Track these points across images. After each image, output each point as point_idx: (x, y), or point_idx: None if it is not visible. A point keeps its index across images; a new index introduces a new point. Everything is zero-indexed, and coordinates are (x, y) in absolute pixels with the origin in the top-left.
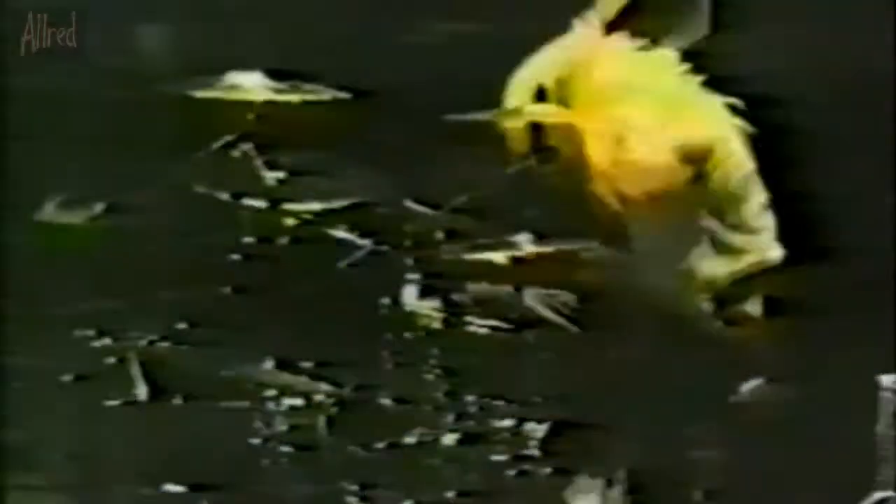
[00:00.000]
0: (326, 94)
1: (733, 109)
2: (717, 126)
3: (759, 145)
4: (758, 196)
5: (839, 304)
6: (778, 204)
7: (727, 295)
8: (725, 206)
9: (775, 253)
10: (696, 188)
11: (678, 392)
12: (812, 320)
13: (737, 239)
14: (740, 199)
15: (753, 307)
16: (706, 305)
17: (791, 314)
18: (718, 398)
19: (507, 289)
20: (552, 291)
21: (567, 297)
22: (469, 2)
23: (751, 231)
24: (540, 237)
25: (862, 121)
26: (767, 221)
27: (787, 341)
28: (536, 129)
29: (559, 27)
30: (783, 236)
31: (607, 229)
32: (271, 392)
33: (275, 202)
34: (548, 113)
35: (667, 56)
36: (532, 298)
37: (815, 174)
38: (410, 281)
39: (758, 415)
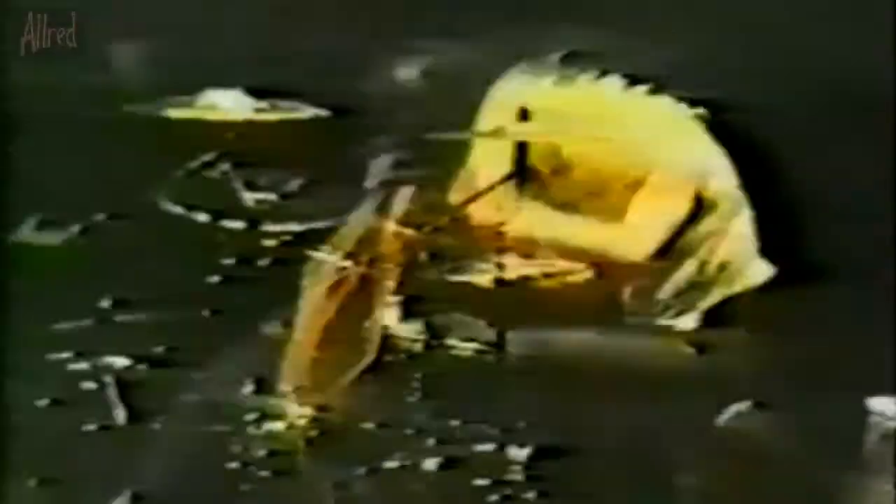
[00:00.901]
0: (306, 113)
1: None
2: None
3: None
4: (745, 219)
5: (826, 325)
6: (765, 218)
7: (713, 316)
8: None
9: (762, 273)
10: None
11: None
12: (799, 342)
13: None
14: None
15: (738, 329)
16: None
17: (777, 336)
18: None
19: (489, 333)
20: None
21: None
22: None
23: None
24: (524, 258)
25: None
26: (751, 245)
27: (774, 364)
28: (520, 148)
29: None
30: (770, 253)
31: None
32: (251, 416)
33: (254, 223)
34: (532, 132)
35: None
36: (515, 345)
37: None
38: (392, 303)
39: (742, 440)
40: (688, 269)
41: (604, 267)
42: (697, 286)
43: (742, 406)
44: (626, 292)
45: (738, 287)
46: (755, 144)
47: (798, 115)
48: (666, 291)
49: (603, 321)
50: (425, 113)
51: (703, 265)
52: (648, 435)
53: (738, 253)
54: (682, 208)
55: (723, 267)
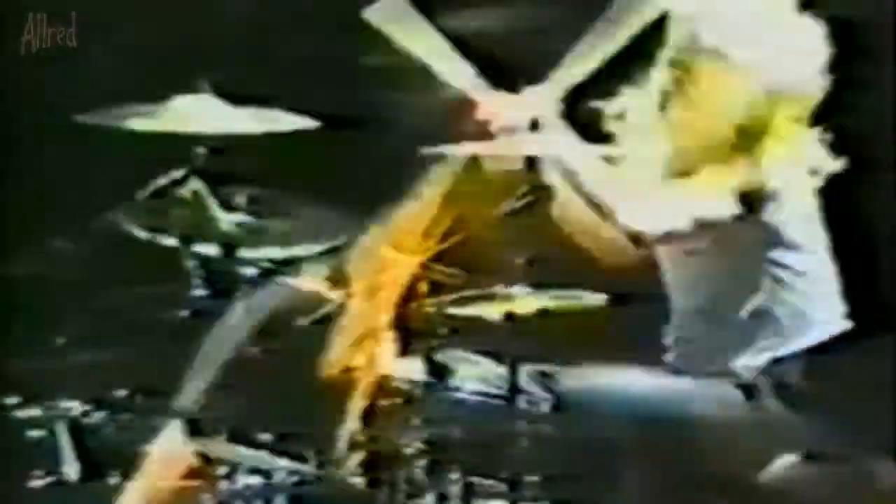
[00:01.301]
0: (290, 123)
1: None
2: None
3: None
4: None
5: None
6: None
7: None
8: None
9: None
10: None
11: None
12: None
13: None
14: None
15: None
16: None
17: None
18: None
19: (500, 370)
20: (551, 369)
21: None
22: None
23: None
24: (536, 289)
25: None
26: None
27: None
28: (531, 163)
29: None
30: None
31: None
32: (224, 469)
33: (230, 248)
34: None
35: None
36: (529, 379)
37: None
38: (386, 339)
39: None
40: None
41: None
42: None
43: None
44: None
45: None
46: None
47: None
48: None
49: (631, 359)
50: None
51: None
52: (681, 489)
53: (809, 297)
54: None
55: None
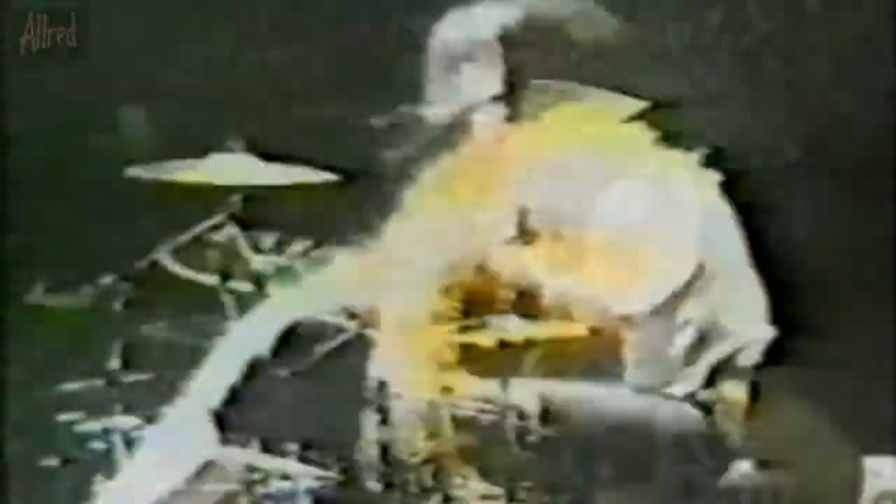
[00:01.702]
0: (315, 177)
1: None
2: None
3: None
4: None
5: (825, 386)
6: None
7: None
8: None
9: (764, 333)
10: None
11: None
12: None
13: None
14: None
15: (737, 391)
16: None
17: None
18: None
19: (493, 384)
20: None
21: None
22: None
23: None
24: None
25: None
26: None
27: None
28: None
29: None
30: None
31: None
32: (258, 475)
33: (260, 284)
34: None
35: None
36: (518, 393)
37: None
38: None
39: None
40: (689, 333)
41: (606, 330)
42: (699, 350)
43: (743, 465)
44: (628, 361)
45: (738, 347)
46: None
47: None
48: (669, 359)
49: (605, 379)
50: None
51: (705, 329)
52: (650, 494)
53: (740, 316)
54: (684, 274)
55: (724, 330)
